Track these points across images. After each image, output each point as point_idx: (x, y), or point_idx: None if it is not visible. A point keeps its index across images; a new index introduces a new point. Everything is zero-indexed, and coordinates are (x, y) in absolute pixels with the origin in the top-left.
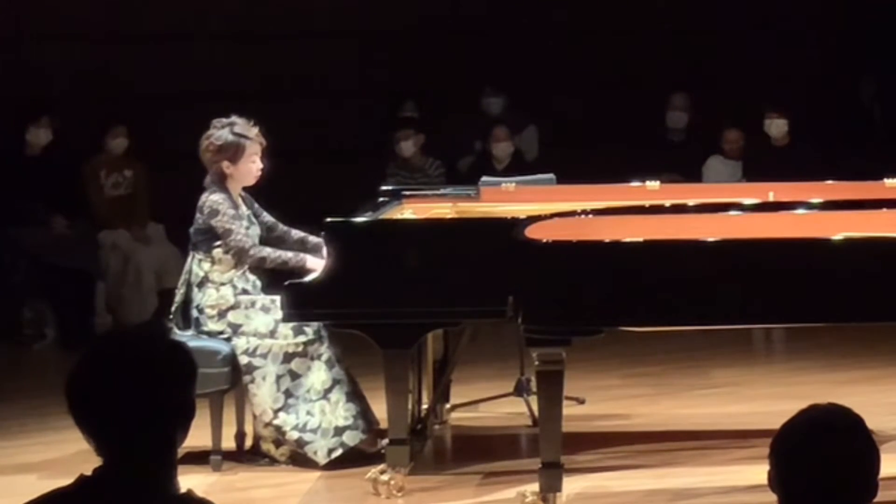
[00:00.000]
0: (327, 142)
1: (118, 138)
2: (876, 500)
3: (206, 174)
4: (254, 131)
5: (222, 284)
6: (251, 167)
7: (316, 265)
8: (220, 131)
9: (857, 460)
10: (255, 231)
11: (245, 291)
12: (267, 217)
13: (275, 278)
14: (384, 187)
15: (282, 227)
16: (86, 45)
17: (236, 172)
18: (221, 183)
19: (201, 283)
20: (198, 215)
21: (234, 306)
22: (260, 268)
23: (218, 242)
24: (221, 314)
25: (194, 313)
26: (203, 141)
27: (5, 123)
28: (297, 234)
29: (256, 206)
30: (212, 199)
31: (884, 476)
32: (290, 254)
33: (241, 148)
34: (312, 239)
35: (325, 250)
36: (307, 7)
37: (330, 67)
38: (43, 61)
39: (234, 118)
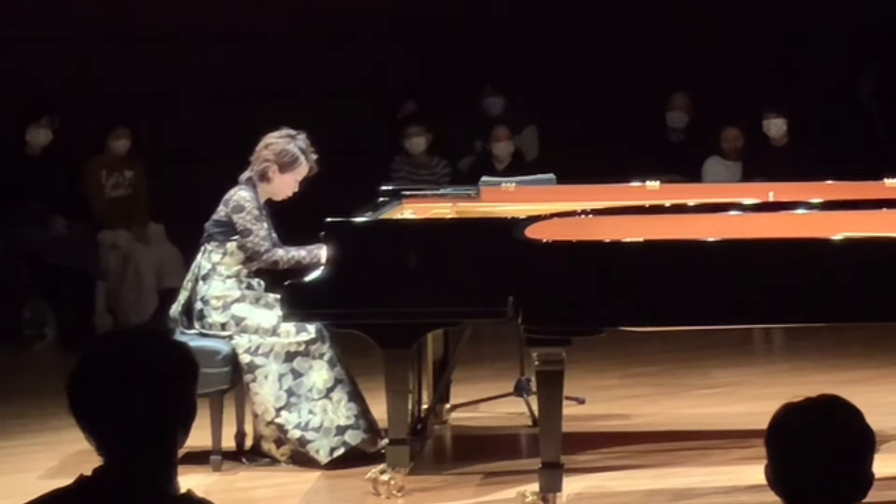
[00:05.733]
0: (327, 141)
1: (121, 139)
2: (876, 500)
3: (207, 174)
4: (313, 156)
5: (229, 277)
6: (291, 184)
7: None
8: (285, 139)
9: (851, 451)
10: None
11: (250, 287)
12: (274, 235)
13: (277, 277)
14: (384, 186)
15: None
16: (86, 45)
17: (277, 181)
18: (255, 184)
19: (207, 276)
20: (221, 207)
21: (238, 300)
22: (273, 270)
23: (235, 236)
24: (226, 306)
25: (198, 305)
26: (265, 139)
27: (5, 123)
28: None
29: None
30: (241, 194)
31: (884, 476)
32: (303, 252)
33: (296, 162)
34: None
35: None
36: (307, 7)
37: (330, 67)
38: (42, 61)
39: (302, 134)
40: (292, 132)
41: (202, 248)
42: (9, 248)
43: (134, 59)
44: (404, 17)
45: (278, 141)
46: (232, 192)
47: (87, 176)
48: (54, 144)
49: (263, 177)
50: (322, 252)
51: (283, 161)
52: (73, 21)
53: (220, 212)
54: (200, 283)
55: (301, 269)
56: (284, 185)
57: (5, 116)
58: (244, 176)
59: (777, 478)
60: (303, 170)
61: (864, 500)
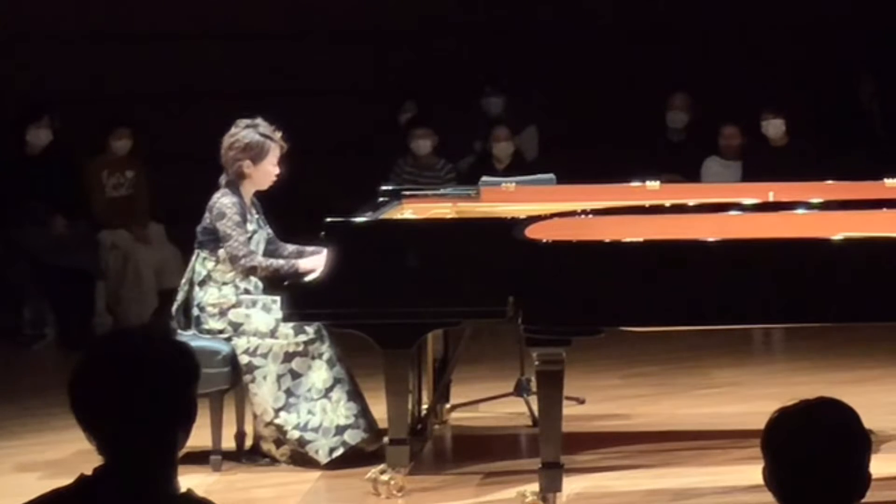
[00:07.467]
0: (327, 142)
1: (122, 139)
2: (875, 500)
3: (207, 174)
4: (277, 135)
5: (224, 284)
6: (270, 170)
7: (309, 266)
8: (246, 131)
9: (848, 452)
10: (263, 235)
11: (247, 291)
12: (269, 229)
13: (276, 279)
14: (388, 186)
15: (279, 242)
16: (86, 45)
17: (255, 173)
18: (237, 184)
19: (203, 282)
20: (206, 215)
21: (235, 305)
22: (251, 276)
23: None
24: (223, 312)
25: (195, 311)
26: (226, 139)
27: (5, 123)
28: (291, 248)
29: (262, 214)
30: (222, 201)
31: (884, 476)
32: (281, 261)
33: (266, 149)
34: (308, 249)
35: (323, 252)
36: (308, 7)
37: (330, 67)
38: (43, 61)
39: (258, 119)
40: (249, 121)
41: (196, 252)
42: (9, 248)
43: (134, 59)
44: (404, 17)
45: (240, 136)
46: (214, 198)
47: (88, 176)
48: (54, 144)
49: (241, 175)
50: (301, 263)
51: (253, 153)
52: (73, 21)
53: (206, 219)
54: (196, 288)
55: (279, 278)
56: (264, 175)
57: (5, 116)
58: (223, 179)
59: (775, 481)
60: (275, 152)
61: (864, 501)
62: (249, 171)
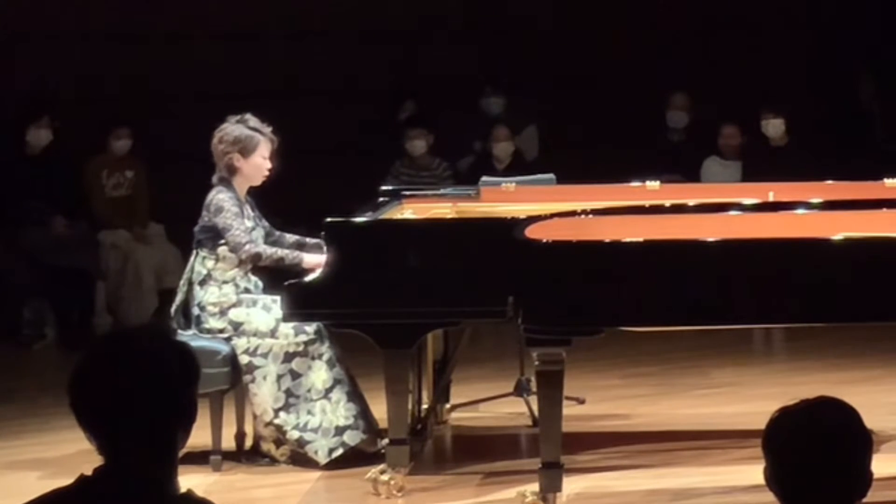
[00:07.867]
0: (327, 141)
1: (121, 139)
2: (876, 500)
3: (207, 173)
4: (267, 129)
5: (224, 283)
6: (261, 164)
7: (313, 262)
8: (234, 125)
9: (849, 452)
10: (260, 233)
11: (247, 290)
12: (265, 223)
13: (276, 278)
14: (384, 187)
15: (277, 232)
16: (86, 45)
17: (246, 167)
18: (229, 180)
19: (203, 281)
20: (204, 213)
21: (235, 304)
22: (256, 264)
23: (223, 241)
24: (223, 312)
25: (195, 311)
26: (216, 133)
27: (5, 123)
28: (291, 238)
29: (257, 211)
30: (218, 197)
31: (884, 476)
32: (286, 251)
33: (255, 142)
34: (309, 241)
35: (324, 249)
36: (307, 7)
37: (329, 67)
38: (43, 61)
39: (247, 115)
40: (238, 117)
41: (195, 252)
42: (9, 248)
43: (134, 59)
44: (404, 17)
45: (229, 131)
46: (210, 195)
47: (89, 176)
48: (54, 144)
49: (232, 170)
50: (306, 257)
51: (243, 146)
52: (73, 21)
53: (204, 217)
54: (197, 287)
55: (283, 268)
56: (255, 168)
57: (5, 116)
58: (216, 177)
59: (776, 481)
60: (265, 146)
61: (864, 500)
62: (239, 165)
